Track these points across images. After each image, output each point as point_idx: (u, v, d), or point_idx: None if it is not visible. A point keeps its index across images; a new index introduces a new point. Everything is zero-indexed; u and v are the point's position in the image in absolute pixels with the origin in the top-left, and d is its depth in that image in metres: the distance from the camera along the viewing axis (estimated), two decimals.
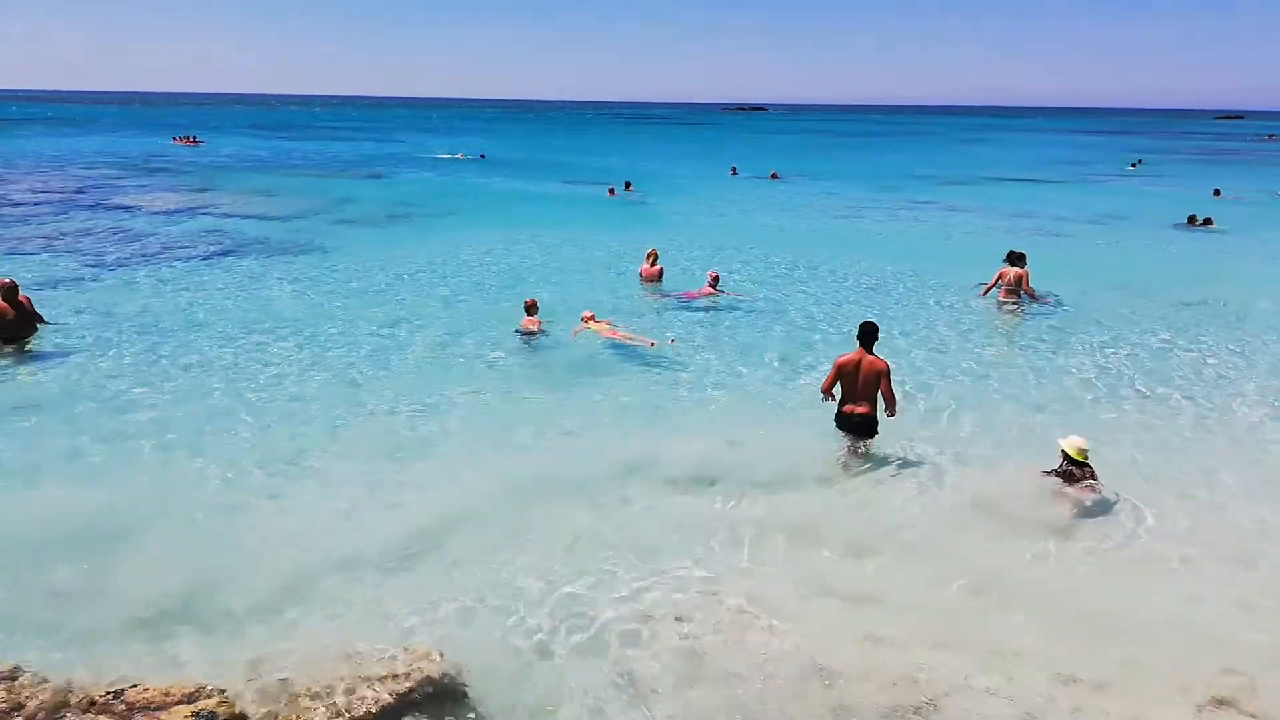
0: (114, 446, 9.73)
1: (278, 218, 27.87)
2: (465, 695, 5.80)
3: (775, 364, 13.15)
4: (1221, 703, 5.65)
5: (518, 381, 12.26)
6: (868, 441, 9.56)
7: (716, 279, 17.36)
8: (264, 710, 5.34)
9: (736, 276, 19.17)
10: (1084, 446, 8.65)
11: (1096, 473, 8.64)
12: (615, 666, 6.19)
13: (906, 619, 6.60)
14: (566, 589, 7.08)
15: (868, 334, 9.40)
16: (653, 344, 13.52)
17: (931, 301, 17.12)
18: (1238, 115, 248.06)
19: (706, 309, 16.38)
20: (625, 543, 7.82)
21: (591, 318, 14.21)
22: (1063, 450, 8.69)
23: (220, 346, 13.42)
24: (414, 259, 20.97)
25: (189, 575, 6.98)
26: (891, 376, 9.37)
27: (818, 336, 14.63)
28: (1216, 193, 36.68)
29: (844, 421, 9.55)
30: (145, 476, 9.07)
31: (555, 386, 12.04)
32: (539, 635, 6.52)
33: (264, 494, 8.75)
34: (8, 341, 12.74)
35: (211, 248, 22.10)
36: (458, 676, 5.88)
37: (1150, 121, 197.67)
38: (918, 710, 5.65)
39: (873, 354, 9.37)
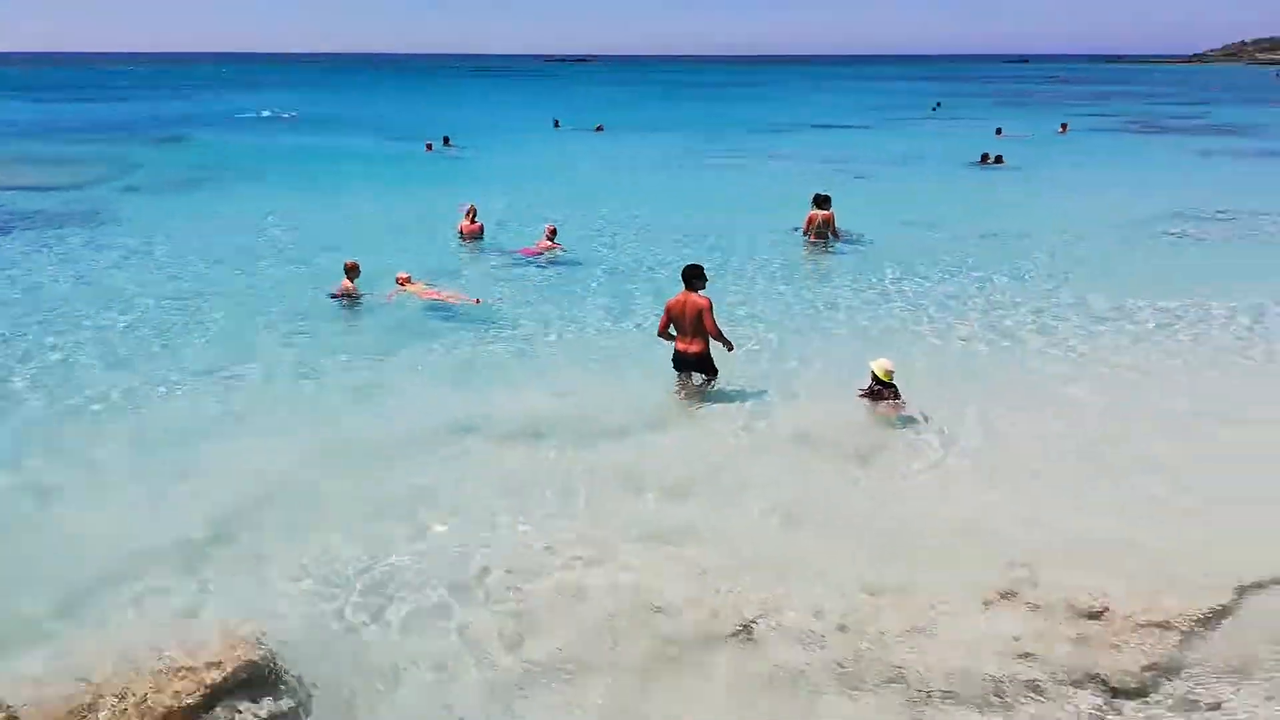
0: None
1: (56, 188, 25.36)
2: (290, 677, 5.60)
3: (610, 314, 13.29)
4: (1005, 595, 6.20)
5: (334, 348, 11.78)
6: (706, 378, 9.97)
7: (554, 232, 17.24)
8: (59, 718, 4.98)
9: (567, 228, 19.07)
10: (889, 368, 9.39)
11: (900, 392, 9.35)
12: (450, 628, 6.15)
13: (727, 551, 6.88)
14: (394, 556, 6.95)
15: (691, 275, 9.72)
16: (478, 301, 13.34)
17: (750, 245, 17.63)
18: (1024, 59, 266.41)
19: (546, 264, 16.29)
20: (454, 502, 7.76)
21: (407, 279, 13.79)
22: (871, 371, 9.40)
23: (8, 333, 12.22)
24: (214, 226, 19.78)
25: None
26: (713, 311, 9.67)
27: (649, 285, 14.84)
28: (998, 131, 39.40)
29: (677, 360, 9.95)
30: None
31: (376, 351, 11.68)
32: (367, 606, 6.38)
33: (52, 488, 8.05)
34: None
35: None
36: (281, 659, 5.66)
37: (949, 67, 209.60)
38: (739, 634, 5.92)
39: (696, 293, 9.68)
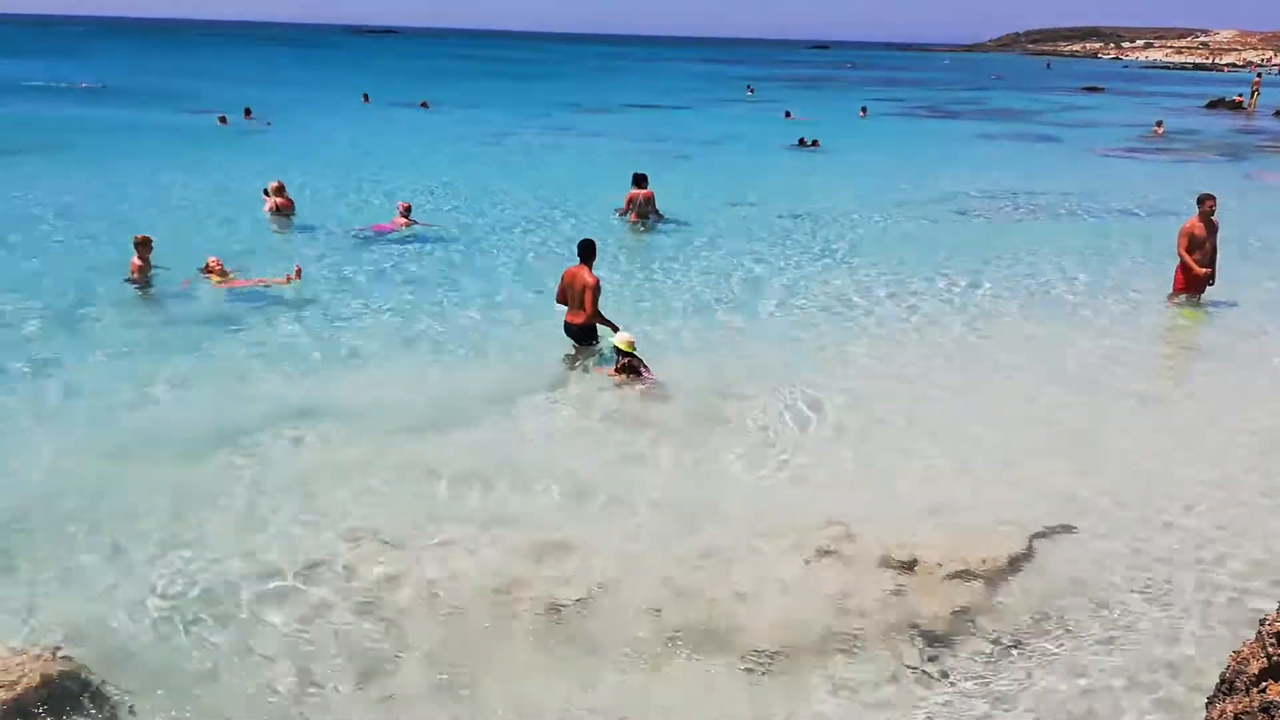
0: None
1: None
2: (95, 691, 5.15)
3: (432, 294, 12.92)
4: (824, 552, 6.54)
5: (126, 337, 10.87)
6: (585, 344, 10.36)
7: (408, 209, 16.69)
8: None
9: (381, 208, 18.39)
10: (630, 339, 9.73)
11: (646, 363, 9.72)
12: (269, 628, 5.81)
13: (543, 534, 6.81)
14: (209, 555, 6.48)
15: (583, 250, 10.32)
16: (289, 279, 12.61)
17: (577, 225, 17.61)
18: (825, 45, 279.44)
19: (400, 241, 15.76)
20: (261, 498, 7.34)
21: (219, 266, 12.79)
22: (616, 348, 9.67)
23: None
24: None
25: None
26: (598, 291, 10.11)
27: (494, 261, 14.84)
28: (787, 114, 41.61)
29: (565, 329, 10.38)
30: None
31: (179, 337, 10.87)
32: (177, 611, 5.92)
33: None
34: None
35: None
36: (84, 672, 5.21)
37: (755, 51, 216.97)
38: (568, 611, 5.93)
39: (588, 269, 10.15)
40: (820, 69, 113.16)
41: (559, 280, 10.52)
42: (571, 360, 10.42)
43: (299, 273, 12.74)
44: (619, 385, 9.58)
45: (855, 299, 13.21)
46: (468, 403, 9.25)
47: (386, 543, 6.69)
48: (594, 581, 6.22)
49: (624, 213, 17.80)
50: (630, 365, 9.64)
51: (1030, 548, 6.66)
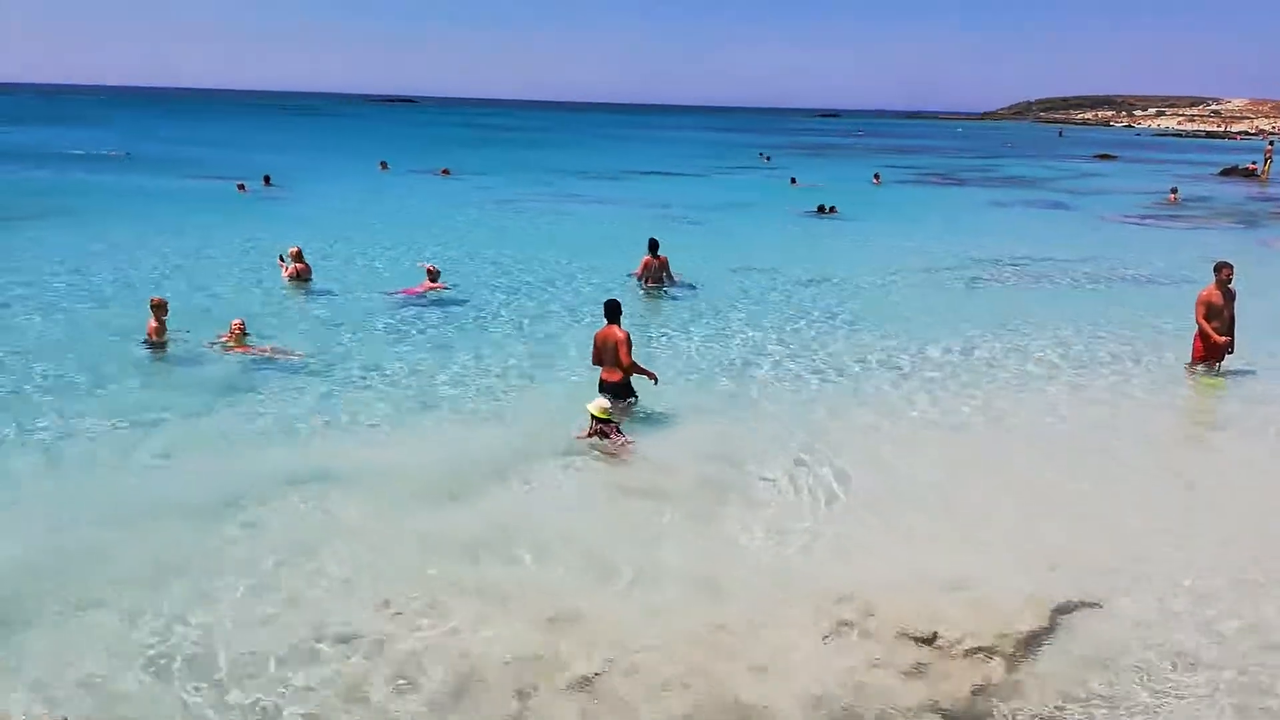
0: None
1: None
2: None
3: (457, 359, 12.94)
4: (844, 625, 6.39)
5: (141, 396, 10.95)
6: (628, 400, 10.61)
7: (436, 273, 16.94)
8: None
9: (404, 272, 18.59)
10: (605, 405, 9.82)
11: (622, 430, 9.79)
12: (270, 699, 5.69)
13: (557, 606, 6.68)
14: (219, 623, 6.39)
15: (609, 309, 10.67)
16: (301, 355, 12.65)
17: (592, 289, 17.76)
18: (835, 113, 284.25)
19: (425, 305, 15.98)
20: (284, 566, 7.24)
21: (241, 328, 12.90)
22: (591, 414, 9.71)
23: None
24: (6, 268, 17.96)
25: None
26: (630, 345, 10.35)
27: (512, 325, 14.99)
28: (793, 180, 42.30)
29: (601, 386, 10.53)
30: None
31: (195, 401, 10.89)
32: (174, 678, 5.82)
33: None
34: None
35: None
36: None
37: (764, 120, 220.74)
38: (582, 686, 5.80)
39: (617, 326, 10.47)
40: (830, 136, 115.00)
41: (591, 344, 10.81)
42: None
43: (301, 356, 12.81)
44: (606, 450, 9.59)
45: (866, 366, 13.14)
46: (483, 468, 9.18)
47: (400, 612, 6.59)
48: (609, 655, 6.08)
49: (638, 277, 17.92)
50: (601, 430, 9.69)
51: (1052, 622, 6.49)
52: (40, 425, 9.97)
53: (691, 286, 18.01)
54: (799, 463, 9.47)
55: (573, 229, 27.54)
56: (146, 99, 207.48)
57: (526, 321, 15.31)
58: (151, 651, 6.09)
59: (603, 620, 6.52)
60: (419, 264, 17.38)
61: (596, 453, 9.68)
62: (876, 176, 46.24)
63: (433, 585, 6.97)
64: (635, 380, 10.72)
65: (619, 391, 10.57)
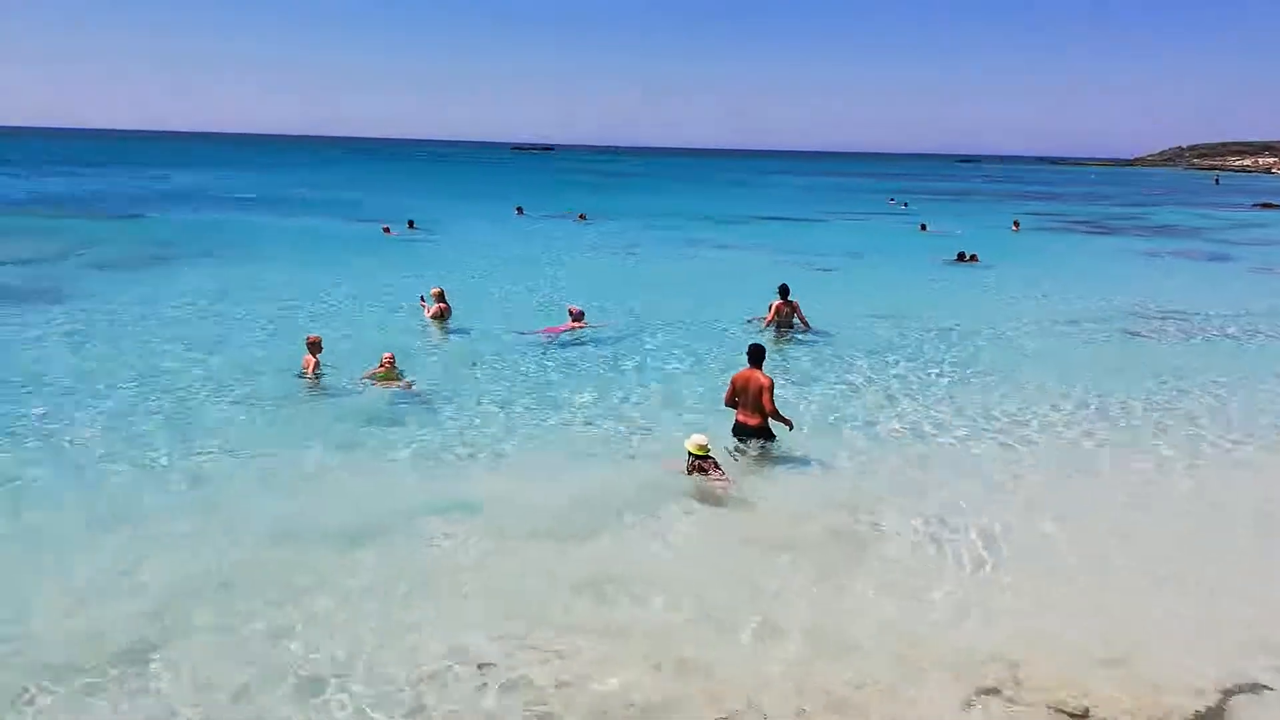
0: None
1: (24, 261, 25.12)
2: None
3: (589, 399, 13.15)
4: (987, 691, 6.09)
5: (294, 427, 11.58)
6: (760, 442, 10.58)
7: (580, 314, 17.50)
8: None
9: (541, 313, 19.11)
10: (702, 442, 9.79)
11: (720, 464, 9.84)
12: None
13: (659, 653, 6.66)
14: (363, 645, 6.67)
15: (753, 354, 10.69)
16: (409, 385, 13.19)
17: (721, 333, 17.80)
18: (973, 159, 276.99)
19: (565, 344, 16.42)
20: (410, 594, 7.51)
21: (391, 361, 13.51)
22: (689, 450, 9.77)
23: None
24: (169, 304, 19.46)
25: None
26: (773, 392, 10.42)
27: (645, 367, 15.19)
28: (923, 227, 41.57)
29: (737, 429, 10.68)
30: None
31: (344, 432, 11.46)
32: (313, 700, 6.08)
33: (10, 573, 7.63)
34: None
35: None
36: None
37: (898, 165, 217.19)
38: None
39: (760, 371, 10.48)
40: (967, 182, 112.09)
41: (728, 385, 10.85)
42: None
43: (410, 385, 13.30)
44: (705, 484, 9.65)
45: (1004, 421, 12.58)
46: (608, 507, 9.26)
47: (531, 646, 6.70)
48: (737, 707, 6.00)
49: (767, 322, 17.85)
50: (699, 467, 9.74)
51: (1222, 706, 5.99)
52: (200, 451, 10.67)
53: (822, 333, 17.78)
54: (933, 519, 9.14)
55: (701, 273, 27.68)
56: (303, 146, 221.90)
57: (655, 363, 15.44)
58: (294, 667, 6.40)
59: (728, 671, 6.44)
60: (568, 307, 17.87)
61: (721, 497, 9.62)
62: (1016, 223, 44.71)
63: (555, 622, 7.07)
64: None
65: (756, 435, 10.58)
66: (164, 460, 10.34)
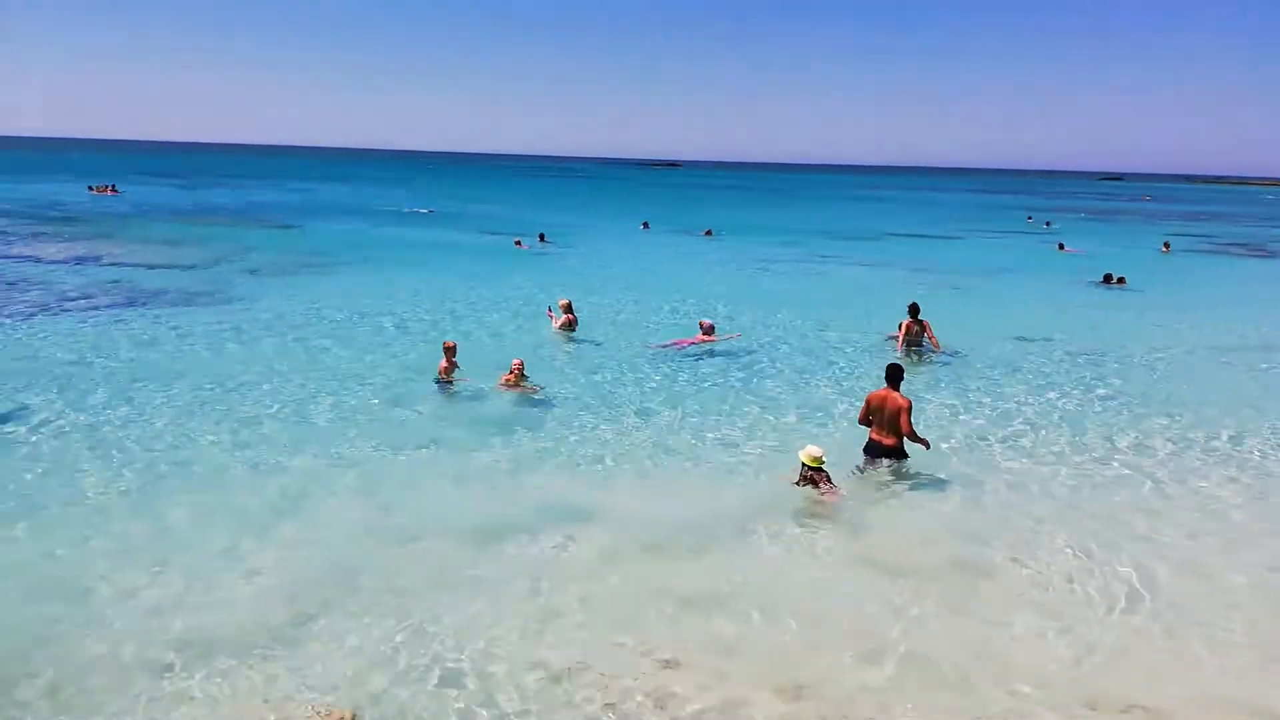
0: None
1: (187, 267, 27.20)
2: None
3: (724, 414, 13.16)
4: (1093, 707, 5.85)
5: (427, 429, 12.11)
6: (893, 462, 10.54)
7: (711, 327, 17.73)
8: None
9: (668, 325, 19.33)
10: (816, 454, 9.79)
11: (832, 478, 9.81)
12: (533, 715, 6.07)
13: (770, 673, 6.63)
14: (485, 643, 6.93)
15: (891, 374, 10.67)
16: (536, 390, 13.60)
17: (852, 351, 17.60)
18: (1118, 177, 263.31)
19: (694, 356, 16.67)
20: (523, 595, 7.74)
21: (521, 367, 13.91)
22: (802, 461, 9.81)
23: (114, 403, 12.84)
24: (320, 309, 20.62)
25: (46, 661, 6.56)
26: (911, 413, 10.37)
27: (771, 382, 15.08)
28: (1060, 246, 40.30)
29: (870, 447, 10.66)
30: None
31: (473, 435, 11.90)
32: (459, 692, 6.36)
33: (146, 563, 8.15)
34: None
35: (109, 299, 21.28)
36: None
37: (1038, 182, 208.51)
38: None
39: (897, 391, 10.44)
40: (1112, 201, 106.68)
41: (863, 403, 10.85)
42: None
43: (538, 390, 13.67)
44: (816, 498, 9.69)
45: (1150, 453, 11.93)
46: (726, 523, 9.27)
47: (636, 656, 6.80)
48: None
49: (899, 342, 17.51)
50: (811, 479, 9.75)
51: None
52: (340, 450, 11.26)
53: (953, 353, 17.30)
54: (1068, 553, 8.78)
55: (828, 289, 27.36)
56: (439, 162, 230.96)
57: (782, 379, 15.34)
58: (414, 658, 6.71)
59: (850, 697, 6.36)
60: (699, 320, 18.07)
61: (844, 518, 9.51)
62: (1166, 245, 42.32)
63: (665, 635, 7.12)
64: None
65: (891, 454, 10.52)
66: (300, 456, 10.96)
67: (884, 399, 10.52)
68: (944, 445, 11.82)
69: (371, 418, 12.56)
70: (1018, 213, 72.17)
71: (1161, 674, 6.76)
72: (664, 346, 17.36)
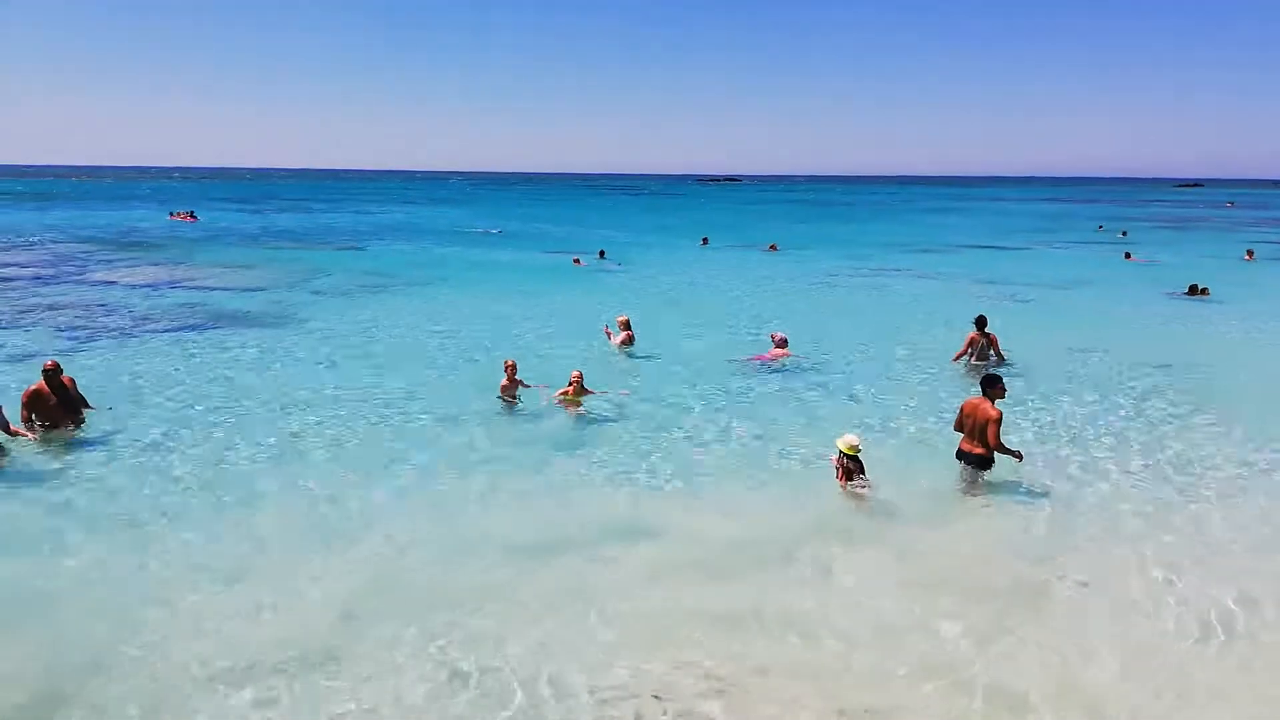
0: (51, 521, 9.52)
1: (260, 289, 28.00)
2: None
3: (810, 430, 12.98)
4: None
5: (488, 445, 12.23)
6: (981, 472, 10.48)
7: (784, 340, 17.66)
8: None
9: (742, 342, 19.22)
10: (854, 442, 10.08)
11: (865, 469, 10.13)
12: None
13: (838, 696, 6.53)
14: (536, 663, 6.93)
15: (987, 383, 10.52)
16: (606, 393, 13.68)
17: (915, 365, 17.28)
18: (1197, 183, 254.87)
19: (769, 371, 16.64)
20: (582, 615, 7.72)
21: (580, 379, 13.93)
22: (840, 450, 10.12)
23: (181, 422, 13.24)
24: (384, 329, 21.06)
25: (84, 665, 6.79)
26: (1000, 425, 10.21)
27: (842, 398, 14.99)
28: (1128, 255, 39.68)
29: (959, 454, 10.68)
30: (76, 560, 8.73)
31: (531, 451, 11.98)
32: (469, 699, 6.44)
33: (221, 577, 8.38)
34: (52, 428, 11.94)
35: (189, 320, 22.01)
36: None
37: (1113, 190, 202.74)
38: None
39: (990, 403, 10.28)
40: (1190, 208, 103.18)
41: (959, 410, 10.81)
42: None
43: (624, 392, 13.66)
44: (846, 491, 10.10)
45: (1228, 475, 11.37)
46: (786, 542, 9.12)
47: (691, 676, 6.75)
48: None
49: (959, 355, 17.12)
50: (848, 467, 10.06)
51: None
52: (398, 465, 11.43)
53: (1021, 366, 16.81)
54: (1132, 574, 8.48)
55: (894, 303, 26.89)
56: (501, 183, 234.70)
57: (847, 397, 15.05)
58: (463, 677, 6.77)
59: (888, 716, 6.22)
60: (771, 334, 17.97)
61: (904, 536, 9.29)
62: (1250, 253, 40.69)
63: (718, 654, 7.05)
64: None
65: (979, 464, 10.46)
66: (360, 473, 11.13)
67: (975, 407, 10.45)
68: (1004, 461, 11.49)
69: (431, 437, 12.69)
70: (1090, 223, 70.22)
71: (1238, 705, 6.42)
72: (748, 361, 17.29)
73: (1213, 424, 13.41)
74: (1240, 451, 12.11)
